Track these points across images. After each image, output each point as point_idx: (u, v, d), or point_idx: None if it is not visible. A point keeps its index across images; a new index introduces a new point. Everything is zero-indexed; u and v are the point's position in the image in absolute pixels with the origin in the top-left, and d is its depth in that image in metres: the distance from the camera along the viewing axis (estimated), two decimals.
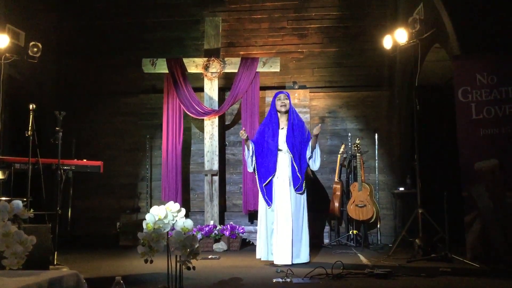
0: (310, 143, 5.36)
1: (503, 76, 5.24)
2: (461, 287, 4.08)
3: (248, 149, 5.43)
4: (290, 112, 5.40)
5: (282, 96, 5.43)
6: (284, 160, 5.34)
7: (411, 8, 6.98)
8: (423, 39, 6.22)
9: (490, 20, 5.50)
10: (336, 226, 7.60)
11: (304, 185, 5.33)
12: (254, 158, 5.43)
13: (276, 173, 5.32)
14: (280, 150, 5.36)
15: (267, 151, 5.37)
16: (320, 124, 5.54)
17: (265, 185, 5.33)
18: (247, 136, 5.39)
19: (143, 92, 8.28)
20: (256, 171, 5.44)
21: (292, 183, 5.29)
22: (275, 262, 5.17)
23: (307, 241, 5.33)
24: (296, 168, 5.27)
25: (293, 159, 5.29)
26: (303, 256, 5.28)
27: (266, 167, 5.35)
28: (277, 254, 5.18)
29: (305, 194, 5.38)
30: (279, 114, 5.44)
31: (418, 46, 6.22)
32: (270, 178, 5.32)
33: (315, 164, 5.42)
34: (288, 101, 5.41)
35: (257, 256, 5.38)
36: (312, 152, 5.37)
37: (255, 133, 5.63)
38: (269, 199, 5.31)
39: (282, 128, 5.40)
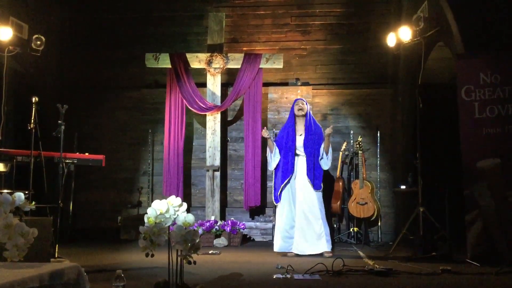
0: (322, 145, 5.76)
1: (507, 75, 5.21)
2: (461, 286, 4.08)
3: (271, 151, 5.91)
4: (307, 118, 5.82)
5: (299, 101, 5.91)
6: (302, 163, 5.79)
7: (415, 6, 6.96)
8: (427, 37, 6.20)
9: (495, 19, 5.48)
10: (337, 223, 7.61)
11: (321, 184, 5.79)
12: (276, 160, 5.88)
13: (295, 175, 5.79)
14: (298, 154, 5.82)
15: (286, 155, 5.81)
16: (332, 126, 5.99)
17: (283, 186, 5.78)
18: (270, 137, 5.89)
19: (146, 87, 8.28)
20: (275, 172, 5.98)
21: (309, 183, 5.71)
22: (296, 252, 5.64)
23: (328, 233, 5.73)
24: (312, 170, 5.72)
25: (308, 162, 5.74)
26: (327, 246, 5.65)
27: (285, 169, 5.79)
28: (298, 246, 5.65)
29: (321, 193, 5.81)
30: (296, 118, 5.88)
31: (422, 44, 6.20)
32: (287, 179, 5.77)
33: (325, 165, 5.83)
34: (305, 106, 5.87)
35: (275, 249, 5.83)
36: (323, 154, 5.77)
37: (277, 136, 6.16)
38: (279, 197, 5.83)
39: (300, 135, 5.83)
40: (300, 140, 5.80)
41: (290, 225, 5.77)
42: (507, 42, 5.36)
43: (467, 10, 5.62)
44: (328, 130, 5.71)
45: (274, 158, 5.89)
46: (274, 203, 5.94)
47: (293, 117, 5.89)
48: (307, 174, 5.72)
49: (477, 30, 5.55)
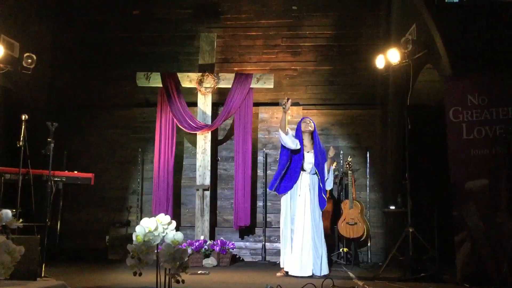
0: (325, 166, 5.86)
1: (494, 97, 5.28)
2: None
3: (284, 129, 5.67)
4: (314, 135, 5.86)
5: (307, 119, 5.96)
6: (307, 180, 5.78)
7: (403, 29, 7.07)
8: (415, 59, 6.29)
9: (482, 42, 5.58)
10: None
11: (326, 202, 5.90)
12: (291, 139, 5.67)
13: (299, 192, 5.74)
14: (304, 170, 5.79)
15: (291, 168, 5.77)
16: (331, 146, 6.08)
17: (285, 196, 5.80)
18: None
19: (136, 106, 8.28)
20: (278, 182, 5.80)
21: (314, 202, 5.74)
22: (295, 274, 5.52)
23: (326, 254, 5.77)
24: (322, 188, 5.79)
25: (320, 180, 5.78)
26: (324, 268, 5.66)
27: (288, 182, 5.77)
28: (299, 267, 5.56)
29: (321, 212, 5.87)
30: (303, 135, 5.86)
31: (410, 66, 6.28)
32: (287, 192, 5.77)
33: (330, 184, 6.00)
34: (312, 124, 5.89)
35: (286, 269, 5.70)
36: (327, 174, 5.88)
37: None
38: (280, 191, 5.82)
39: (308, 152, 5.82)
40: (309, 157, 5.78)
41: (293, 244, 5.67)
42: (494, 65, 5.44)
43: (454, 33, 5.72)
44: (331, 152, 5.85)
45: (289, 137, 5.63)
46: (268, 189, 6.07)
47: (300, 134, 5.84)
48: (318, 192, 5.76)
49: (464, 52, 5.64)
